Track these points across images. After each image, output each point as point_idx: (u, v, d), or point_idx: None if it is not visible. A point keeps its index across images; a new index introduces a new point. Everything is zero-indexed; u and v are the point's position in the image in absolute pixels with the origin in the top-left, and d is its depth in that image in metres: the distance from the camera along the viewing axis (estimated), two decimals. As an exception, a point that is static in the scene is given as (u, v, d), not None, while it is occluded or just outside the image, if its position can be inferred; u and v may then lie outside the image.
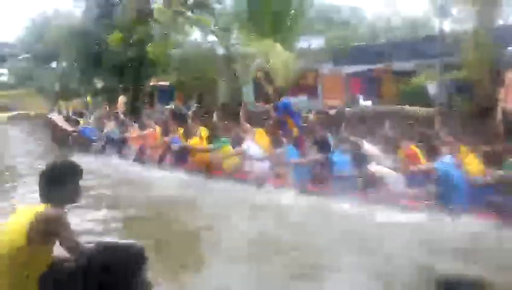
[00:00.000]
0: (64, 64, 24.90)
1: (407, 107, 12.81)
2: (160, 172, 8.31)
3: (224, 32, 12.26)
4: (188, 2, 3.44)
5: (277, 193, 6.26)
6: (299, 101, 14.95)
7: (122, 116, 11.95)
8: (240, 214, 5.46)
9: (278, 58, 10.50)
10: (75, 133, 11.44)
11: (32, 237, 2.30)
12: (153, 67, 18.04)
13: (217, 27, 11.56)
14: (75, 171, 2.60)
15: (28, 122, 19.59)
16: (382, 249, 4.45)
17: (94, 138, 11.82)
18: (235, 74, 15.44)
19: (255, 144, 7.28)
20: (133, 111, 19.94)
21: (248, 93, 17.00)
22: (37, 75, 25.56)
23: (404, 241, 4.58)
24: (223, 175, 7.40)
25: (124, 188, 7.79)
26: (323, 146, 6.81)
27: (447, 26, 11.01)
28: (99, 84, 22.22)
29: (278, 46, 11.00)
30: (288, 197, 6.09)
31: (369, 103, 15.35)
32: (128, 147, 10.29)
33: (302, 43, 14.98)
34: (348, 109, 14.32)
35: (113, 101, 23.18)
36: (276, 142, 7.09)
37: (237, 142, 7.53)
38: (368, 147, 6.37)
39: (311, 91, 16.08)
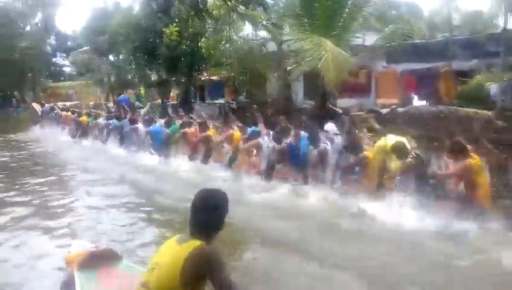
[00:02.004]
0: (121, 56, 25.94)
1: (464, 108, 12.23)
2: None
3: (276, 28, 12.18)
4: None
5: None
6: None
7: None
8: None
9: (331, 55, 10.29)
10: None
11: (185, 277, 2.16)
12: (205, 61, 18.39)
13: (269, 22, 11.48)
14: (227, 200, 2.44)
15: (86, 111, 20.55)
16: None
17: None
18: (285, 70, 15.40)
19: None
20: (185, 104, 20.44)
21: (297, 90, 16.93)
22: (96, 67, 26.75)
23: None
24: None
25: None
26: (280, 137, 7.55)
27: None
28: (153, 76, 22.91)
29: (331, 44, 10.78)
30: None
31: (423, 102, 14.79)
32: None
33: (356, 40, 14.64)
34: (401, 109, 13.88)
35: (165, 93, 23.92)
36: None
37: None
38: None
39: (364, 89, 15.70)
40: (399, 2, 24.98)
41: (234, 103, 19.32)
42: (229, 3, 3.47)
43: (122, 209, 6.68)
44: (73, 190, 8.18)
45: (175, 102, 23.92)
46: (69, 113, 15.47)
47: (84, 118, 13.95)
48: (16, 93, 35.55)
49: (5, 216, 6.21)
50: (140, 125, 10.92)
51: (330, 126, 8.24)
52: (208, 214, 2.32)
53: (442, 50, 14.31)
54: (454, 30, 19.50)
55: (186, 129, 9.51)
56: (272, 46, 16.41)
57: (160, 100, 24.03)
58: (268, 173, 7.38)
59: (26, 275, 4.29)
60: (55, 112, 17.09)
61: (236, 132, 8.60)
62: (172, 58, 18.47)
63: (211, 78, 21.49)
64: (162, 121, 10.47)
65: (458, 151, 5.33)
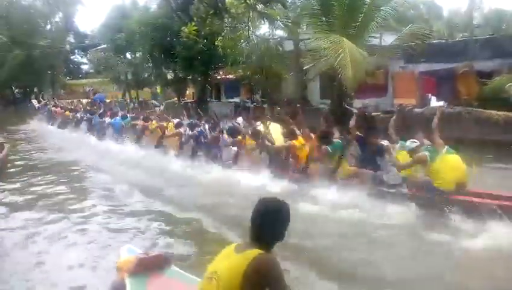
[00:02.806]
0: (137, 54, 26.18)
1: (483, 110, 12.00)
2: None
3: (293, 26, 12.12)
4: None
5: None
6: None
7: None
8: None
9: (349, 53, 10.18)
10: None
11: (244, 289, 2.10)
12: (221, 60, 18.44)
13: (287, 21, 11.46)
14: (289, 209, 2.36)
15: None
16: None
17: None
18: (301, 70, 15.33)
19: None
20: (201, 102, 20.51)
21: (313, 89, 16.83)
22: (113, 65, 27.05)
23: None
24: None
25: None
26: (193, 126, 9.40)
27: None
28: (169, 75, 23.06)
29: (349, 43, 10.67)
30: None
31: (441, 103, 14.55)
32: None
33: (373, 40, 14.47)
34: (418, 109, 13.68)
35: (181, 92, 24.07)
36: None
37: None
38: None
39: (381, 90, 15.50)
40: (418, 2, 24.62)
41: (249, 101, 19.34)
42: (248, 1, 3.44)
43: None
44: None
45: (191, 100, 24.06)
46: (58, 108, 18.53)
47: (67, 112, 16.98)
48: (35, 89, 36.28)
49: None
50: (107, 119, 13.35)
51: (239, 119, 10.45)
52: (271, 224, 2.26)
53: (462, 50, 14.06)
54: (475, 30, 19.17)
55: (134, 122, 11.94)
56: (288, 45, 16.36)
57: (176, 98, 24.19)
58: (192, 154, 9.03)
59: (77, 280, 4.30)
60: (47, 107, 20.20)
61: (170, 123, 10.77)
62: (189, 56, 18.56)
63: (227, 76, 21.53)
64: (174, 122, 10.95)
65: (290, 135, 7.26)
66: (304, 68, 15.00)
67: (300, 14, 13.77)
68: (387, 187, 5.86)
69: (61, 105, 19.37)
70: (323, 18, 12.66)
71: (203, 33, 17.22)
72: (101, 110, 14.36)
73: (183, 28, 17.30)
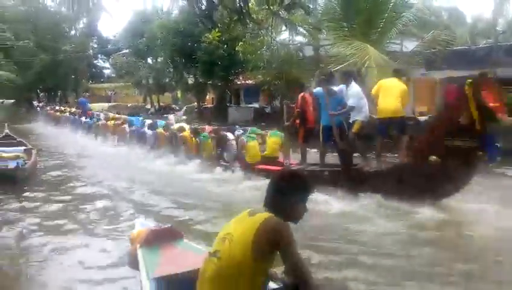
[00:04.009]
0: (159, 59, 26.58)
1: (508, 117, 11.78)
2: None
3: (314, 32, 12.17)
4: (284, 2, 3.49)
5: None
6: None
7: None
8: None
9: (373, 59, 10.17)
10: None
11: (257, 249, 2.12)
12: (241, 65, 18.58)
13: (309, 27, 11.53)
14: (309, 186, 2.34)
15: (124, 111, 21.35)
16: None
17: None
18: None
19: None
20: (220, 107, 20.70)
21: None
22: (135, 70, 27.52)
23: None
24: None
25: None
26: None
27: None
28: (190, 80, 23.32)
29: (372, 48, 10.66)
30: None
31: (463, 111, 14.36)
32: None
33: (394, 46, 14.39)
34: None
35: (201, 96, 24.30)
36: None
37: None
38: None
39: (401, 96, 15.38)
40: (440, 8, 24.31)
41: (269, 107, 19.42)
42: (272, 8, 3.51)
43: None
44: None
45: (211, 105, 24.27)
46: (52, 111, 22.44)
47: (58, 114, 20.80)
48: (59, 93, 37.20)
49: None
50: (83, 119, 16.94)
51: (171, 117, 12.96)
52: (286, 196, 2.26)
53: (486, 57, 13.85)
54: (499, 36, 18.83)
55: (98, 122, 15.06)
56: (308, 51, 16.39)
57: (196, 103, 24.43)
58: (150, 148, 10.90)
59: (93, 253, 4.67)
60: (46, 109, 24.37)
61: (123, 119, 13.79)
62: (210, 62, 18.77)
63: (247, 82, 21.68)
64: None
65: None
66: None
67: (321, 20, 13.82)
68: (226, 162, 8.62)
69: (57, 108, 23.19)
70: (344, 24, 12.68)
71: (223, 39, 17.41)
72: (80, 112, 18.38)
73: (206, 34, 17.49)
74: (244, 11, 4.37)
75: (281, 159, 7.95)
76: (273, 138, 8.17)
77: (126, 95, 33.40)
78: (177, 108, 26.02)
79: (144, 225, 3.81)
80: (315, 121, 7.53)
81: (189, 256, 3.12)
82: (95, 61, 44.71)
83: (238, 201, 6.31)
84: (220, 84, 20.75)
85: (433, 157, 5.54)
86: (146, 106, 29.24)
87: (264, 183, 6.04)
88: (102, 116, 16.28)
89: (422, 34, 15.40)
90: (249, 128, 9.15)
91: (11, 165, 7.65)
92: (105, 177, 8.62)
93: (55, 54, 32.21)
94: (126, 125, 12.79)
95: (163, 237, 3.43)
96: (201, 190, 7.33)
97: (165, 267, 3.01)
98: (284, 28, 14.26)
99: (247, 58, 16.48)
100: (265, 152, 8.08)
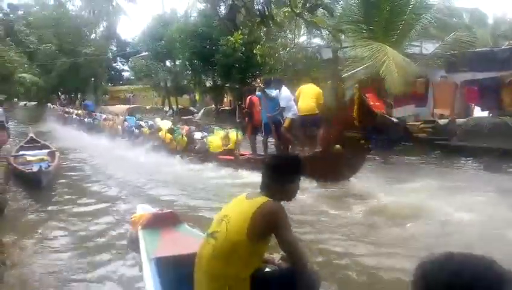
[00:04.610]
0: (177, 62, 26.82)
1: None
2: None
3: (336, 34, 12.14)
4: (307, 3, 3.51)
5: None
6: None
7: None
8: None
9: (393, 60, 10.06)
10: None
11: (252, 231, 2.19)
12: (258, 68, 18.62)
13: (331, 29, 11.53)
14: (301, 168, 2.47)
15: (147, 114, 21.92)
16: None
17: None
18: (340, 78, 15.26)
19: None
20: (238, 109, 20.73)
21: (351, 97, 16.70)
22: (153, 72, 27.82)
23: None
24: None
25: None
26: None
27: None
28: (208, 82, 23.48)
29: (391, 50, 10.57)
30: None
31: (485, 114, 14.11)
32: None
33: (414, 48, 14.24)
34: (460, 120, 13.34)
35: (219, 99, 24.44)
36: None
37: None
38: None
39: (421, 99, 15.18)
40: (461, 10, 23.90)
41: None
42: (295, 10, 3.52)
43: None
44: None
45: (228, 107, 24.37)
46: (61, 112, 25.03)
47: (66, 115, 23.45)
48: (79, 95, 37.88)
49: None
50: (86, 119, 20.02)
51: (157, 119, 14.52)
52: (282, 178, 2.36)
53: (507, 59, 13.60)
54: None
55: (95, 122, 18.73)
56: (326, 53, 16.34)
57: (214, 105, 24.57)
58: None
59: (103, 236, 5.18)
60: (58, 110, 26.98)
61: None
62: (228, 65, 18.87)
63: (264, 84, 21.70)
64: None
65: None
66: (343, 76, 14.94)
67: (339, 21, 13.76)
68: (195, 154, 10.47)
69: (66, 110, 25.47)
70: (363, 26, 12.62)
71: (242, 41, 17.48)
72: (86, 113, 21.11)
73: (228, 36, 17.59)
74: (267, 13, 4.41)
75: (242, 151, 9.75)
76: (232, 134, 9.82)
77: (145, 98, 33.76)
78: (195, 110, 26.20)
79: (145, 209, 3.96)
80: (260, 119, 9.20)
81: (189, 240, 3.21)
82: (114, 64, 45.39)
83: (195, 181, 8.25)
84: (237, 86, 20.83)
85: (337, 146, 7.22)
86: (164, 108, 29.52)
87: (223, 171, 8.78)
88: (98, 116, 19.29)
89: (443, 36, 15.21)
90: (215, 128, 11.39)
91: (35, 168, 7.82)
92: (85, 157, 12.03)
93: (75, 57, 32.86)
94: (119, 125, 15.48)
95: (164, 221, 3.57)
96: (170, 173, 9.19)
97: (165, 249, 3.12)
98: (304, 31, 14.26)
99: (264, 60, 16.53)
100: (229, 146, 9.64)
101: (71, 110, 24.57)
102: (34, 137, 12.23)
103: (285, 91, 8.89)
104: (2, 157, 9.58)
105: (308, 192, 6.68)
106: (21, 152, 9.54)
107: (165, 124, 12.54)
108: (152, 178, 8.71)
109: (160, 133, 12.02)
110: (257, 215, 2.20)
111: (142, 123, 14.02)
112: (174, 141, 11.26)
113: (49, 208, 6.53)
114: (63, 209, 6.43)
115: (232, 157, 9.10)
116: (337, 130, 7.47)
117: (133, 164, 10.37)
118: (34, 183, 7.41)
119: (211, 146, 9.93)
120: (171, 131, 11.66)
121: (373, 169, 8.43)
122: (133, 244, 3.50)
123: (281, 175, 2.37)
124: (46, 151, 9.83)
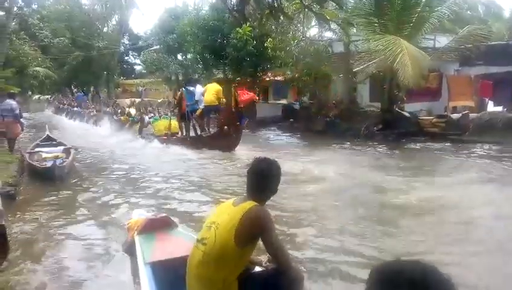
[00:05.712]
0: (189, 56, 26.84)
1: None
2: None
3: (346, 27, 12.06)
4: None
5: None
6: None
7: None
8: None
9: (408, 52, 9.94)
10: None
11: (240, 236, 2.30)
12: (270, 62, 18.57)
13: (342, 22, 11.47)
14: (280, 168, 2.62)
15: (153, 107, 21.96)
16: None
17: None
18: (351, 72, 15.16)
19: None
20: (249, 104, 20.70)
21: (363, 92, 16.57)
22: (165, 66, 27.87)
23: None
24: None
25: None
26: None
27: None
28: (219, 76, 23.47)
29: (405, 42, 10.44)
30: None
31: (499, 108, 13.90)
32: None
33: (427, 42, 14.06)
34: (473, 114, 13.15)
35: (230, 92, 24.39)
36: None
37: None
38: None
39: (434, 93, 15.01)
40: (476, 2, 23.47)
41: (297, 103, 19.33)
42: (304, 2, 3.48)
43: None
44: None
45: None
46: (57, 103, 29.50)
47: (60, 106, 27.95)
48: (92, 88, 38.23)
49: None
50: (74, 109, 24.61)
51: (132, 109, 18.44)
52: (267, 180, 2.51)
53: (523, 52, 13.38)
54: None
55: (80, 111, 23.07)
56: (337, 47, 16.22)
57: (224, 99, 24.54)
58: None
59: (96, 239, 4.91)
60: (55, 102, 31.60)
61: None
62: (239, 58, 18.83)
63: (275, 78, 21.62)
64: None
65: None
66: (354, 70, 14.83)
67: (351, 15, 13.63)
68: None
69: (63, 101, 29.84)
70: (376, 19, 12.49)
71: (253, 35, 17.44)
72: (75, 104, 25.33)
73: (237, 29, 17.54)
74: (276, 5, 4.39)
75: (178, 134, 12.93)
76: (172, 122, 13.12)
77: (156, 91, 33.90)
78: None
79: (140, 214, 4.08)
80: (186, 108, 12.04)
81: (183, 243, 3.30)
82: (126, 58, 45.62)
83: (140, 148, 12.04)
84: (248, 80, 20.79)
85: (226, 127, 11.25)
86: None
87: (160, 145, 12.40)
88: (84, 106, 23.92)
89: (457, 29, 14.94)
90: (158, 115, 15.66)
91: (49, 164, 7.99)
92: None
93: (88, 51, 33.12)
94: (102, 113, 19.72)
95: (159, 225, 3.69)
96: (126, 149, 12.02)
97: (160, 253, 3.24)
98: (313, 23, 14.15)
99: (275, 54, 16.45)
100: (171, 130, 12.97)
101: (65, 102, 29.03)
102: (50, 135, 12.37)
103: (198, 88, 12.32)
104: (17, 150, 9.73)
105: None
106: (36, 149, 9.70)
107: (131, 111, 17.23)
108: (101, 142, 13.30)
109: (121, 118, 16.86)
110: (244, 221, 2.33)
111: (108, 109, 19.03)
112: (129, 123, 16.07)
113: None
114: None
115: (165, 137, 12.66)
116: (225, 117, 11.66)
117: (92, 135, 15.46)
118: (47, 178, 7.66)
119: (155, 129, 13.78)
120: (128, 116, 16.63)
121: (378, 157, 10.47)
122: (129, 250, 3.57)
123: (265, 177, 2.52)
124: (61, 148, 9.94)
